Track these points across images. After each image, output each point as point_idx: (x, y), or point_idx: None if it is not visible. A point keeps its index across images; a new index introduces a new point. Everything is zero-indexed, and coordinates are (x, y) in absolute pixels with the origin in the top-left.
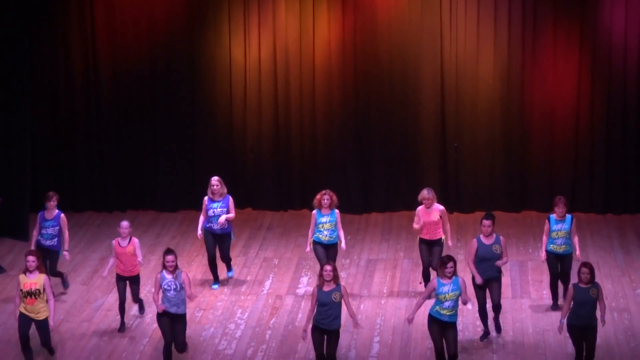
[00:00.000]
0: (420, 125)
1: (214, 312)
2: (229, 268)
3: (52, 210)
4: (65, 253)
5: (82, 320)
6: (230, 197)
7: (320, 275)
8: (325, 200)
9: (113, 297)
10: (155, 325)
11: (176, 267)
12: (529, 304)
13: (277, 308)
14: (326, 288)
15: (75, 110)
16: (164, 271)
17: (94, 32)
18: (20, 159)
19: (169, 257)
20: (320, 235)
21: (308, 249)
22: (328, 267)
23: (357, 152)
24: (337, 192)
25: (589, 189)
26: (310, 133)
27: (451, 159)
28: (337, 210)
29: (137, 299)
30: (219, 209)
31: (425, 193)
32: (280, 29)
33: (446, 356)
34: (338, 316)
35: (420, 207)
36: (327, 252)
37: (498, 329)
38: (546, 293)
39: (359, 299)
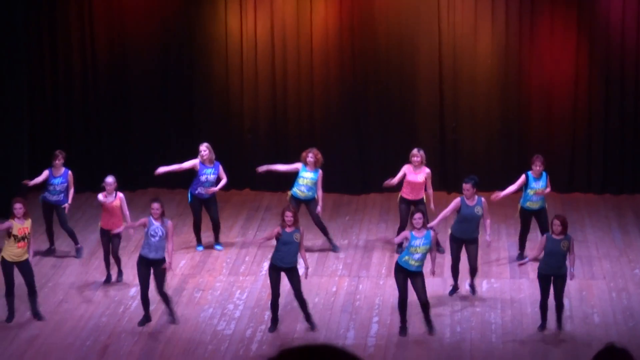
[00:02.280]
0: (418, 105)
1: (213, 292)
2: (217, 239)
3: (60, 168)
4: (66, 205)
5: (81, 301)
6: (219, 164)
7: (283, 220)
8: (310, 158)
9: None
10: (155, 306)
11: (162, 214)
12: (527, 284)
13: None
14: (288, 230)
15: (73, 90)
16: (150, 217)
17: (91, 8)
18: (17, 139)
19: (155, 205)
20: (298, 190)
21: (288, 197)
22: (289, 213)
23: (355, 132)
24: (335, 173)
25: (587, 169)
26: (307, 113)
27: (449, 139)
28: (320, 171)
29: (117, 255)
30: (212, 175)
31: (415, 151)
32: (277, 6)
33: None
34: (296, 254)
35: (406, 165)
36: (307, 206)
37: (473, 290)
38: None
39: (358, 279)
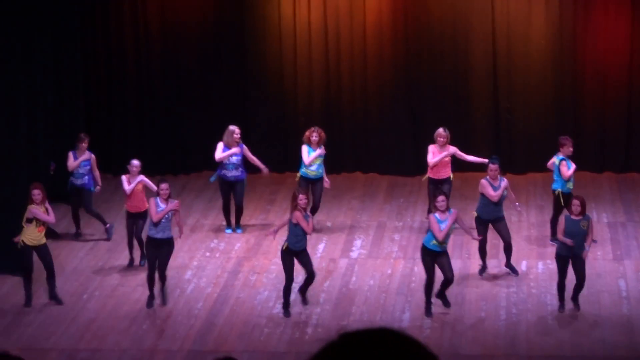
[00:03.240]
0: (472, 87)
1: (268, 275)
2: (238, 224)
3: (84, 151)
4: (98, 187)
5: (137, 285)
6: (244, 145)
7: (296, 204)
8: (314, 137)
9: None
10: (210, 289)
11: (169, 195)
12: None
13: (331, 271)
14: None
15: (126, 73)
16: (157, 198)
17: None
18: (74, 124)
19: (163, 185)
20: (308, 170)
21: (297, 179)
22: (302, 196)
23: (409, 114)
24: (389, 154)
25: None
26: (361, 96)
27: (503, 120)
28: (323, 147)
29: (140, 237)
30: (235, 157)
31: (441, 131)
32: None
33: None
34: (305, 237)
35: (432, 146)
36: (313, 186)
37: (514, 271)
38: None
39: (413, 261)
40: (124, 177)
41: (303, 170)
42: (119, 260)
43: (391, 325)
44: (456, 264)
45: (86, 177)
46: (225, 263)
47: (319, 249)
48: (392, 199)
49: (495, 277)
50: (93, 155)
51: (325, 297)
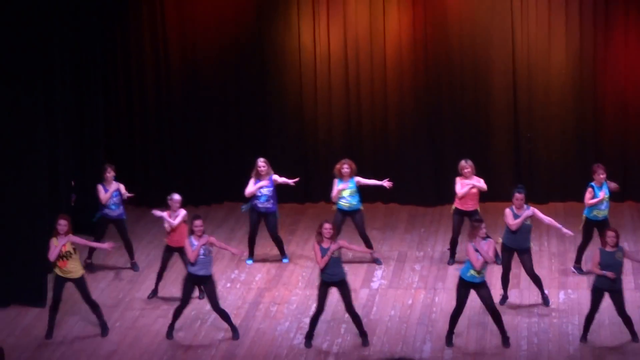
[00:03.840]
0: (492, 116)
1: (289, 306)
2: (283, 253)
3: (111, 182)
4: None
5: (158, 316)
6: (274, 174)
7: (320, 233)
8: (345, 169)
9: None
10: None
11: (203, 232)
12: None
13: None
14: (325, 245)
15: (146, 105)
16: (192, 237)
17: (164, 21)
18: (93, 156)
19: (197, 222)
20: (342, 202)
21: (334, 208)
22: (327, 225)
23: (430, 144)
24: (410, 184)
25: None
26: (381, 125)
27: (524, 149)
28: (356, 178)
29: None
30: (265, 188)
31: (463, 163)
32: (350, 18)
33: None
34: (340, 268)
35: (458, 178)
36: (352, 219)
37: (545, 301)
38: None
39: (434, 291)
40: (165, 214)
41: (339, 202)
42: (140, 291)
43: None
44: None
45: (121, 207)
46: (245, 294)
47: None
48: (412, 229)
49: (516, 307)
50: (122, 185)
51: (346, 328)
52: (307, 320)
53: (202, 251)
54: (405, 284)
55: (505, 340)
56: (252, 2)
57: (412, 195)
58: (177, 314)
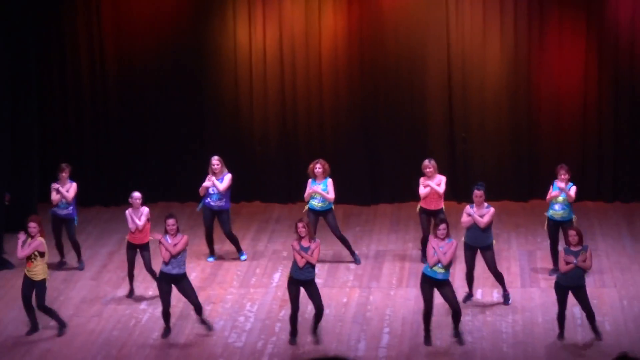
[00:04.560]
0: (427, 116)
1: (223, 305)
2: (239, 250)
3: (65, 181)
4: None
5: (92, 315)
6: (228, 174)
7: (296, 232)
8: (318, 169)
9: (123, 291)
10: (174, 320)
11: (177, 230)
12: (538, 293)
13: (287, 300)
14: (304, 243)
15: (82, 104)
16: (167, 235)
17: (99, 22)
18: (28, 154)
19: (170, 221)
20: (314, 202)
21: (304, 210)
22: (300, 224)
23: (365, 143)
24: (345, 183)
25: (597, 177)
26: (317, 124)
27: (459, 149)
28: (330, 179)
29: (150, 269)
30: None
31: (426, 162)
32: (285, 18)
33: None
34: (313, 267)
35: (422, 178)
36: (324, 218)
37: (506, 299)
38: None
39: (368, 290)
40: (127, 213)
41: (310, 202)
42: (74, 290)
43: (346, 355)
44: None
45: (71, 207)
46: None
47: (274, 278)
48: (347, 227)
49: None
50: (75, 184)
51: (280, 327)
52: (242, 319)
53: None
54: (340, 283)
55: (460, 340)
56: (188, 2)
57: (347, 194)
58: (166, 316)
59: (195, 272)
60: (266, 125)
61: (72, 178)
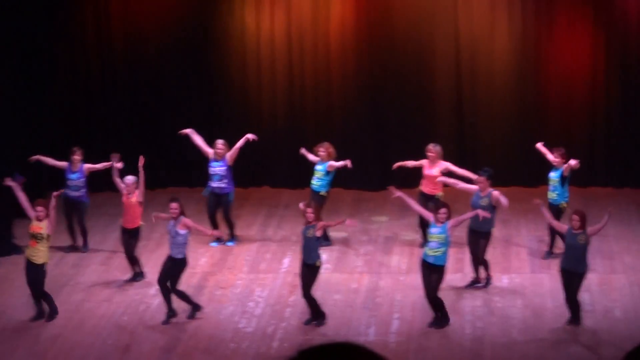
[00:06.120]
0: (436, 101)
1: (233, 290)
2: (231, 236)
3: (77, 164)
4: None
5: (102, 300)
6: (227, 154)
7: (304, 217)
8: (321, 152)
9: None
10: (175, 304)
11: (180, 213)
12: (547, 279)
13: (296, 286)
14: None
15: (91, 89)
16: (171, 220)
17: (107, 6)
18: (39, 138)
19: (173, 205)
20: (312, 182)
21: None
22: (309, 210)
23: (374, 128)
24: (354, 169)
25: (606, 163)
26: (325, 109)
27: (468, 134)
28: (329, 163)
29: (132, 255)
30: (218, 168)
31: (430, 146)
32: (293, 2)
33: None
34: (313, 251)
35: (425, 160)
36: (313, 199)
37: (487, 282)
38: None
39: (378, 276)
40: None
41: (311, 183)
42: (84, 275)
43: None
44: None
45: (82, 190)
46: (190, 278)
47: (284, 263)
48: (357, 213)
49: (460, 291)
50: (86, 165)
51: (290, 312)
52: (252, 305)
53: (176, 232)
54: (349, 268)
55: (438, 321)
56: None
57: (356, 180)
58: (163, 291)
59: (205, 257)
60: (274, 110)
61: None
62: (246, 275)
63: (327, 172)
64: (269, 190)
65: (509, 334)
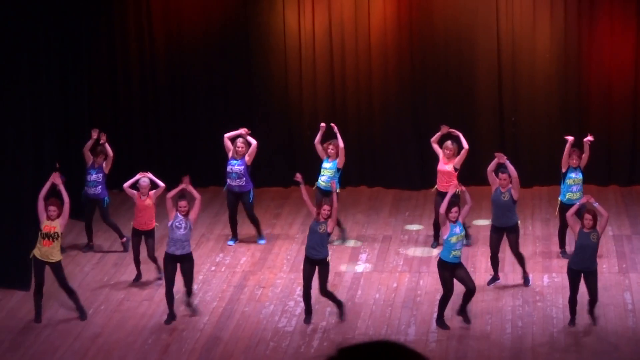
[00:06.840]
0: (477, 100)
1: (274, 289)
2: (259, 234)
3: (100, 163)
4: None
5: (143, 299)
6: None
7: (318, 213)
8: (330, 150)
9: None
10: (215, 303)
11: (188, 212)
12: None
13: (336, 285)
14: (319, 220)
15: (131, 87)
16: (177, 213)
17: (149, 6)
18: (78, 140)
19: (182, 203)
20: (320, 180)
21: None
22: (326, 207)
23: (414, 127)
24: (395, 168)
25: None
26: (366, 109)
27: (509, 133)
28: (338, 160)
29: (153, 256)
30: (237, 166)
31: (448, 143)
32: (335, 2)
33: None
34: (323, 246)
35: (442, 155)
36: (325, 198)
37: (526, 281)
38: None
39: (418, 275)
40: (136, 193)
41: (318, 180)
42: (124, 274)
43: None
44: None
45: (99, 187)
46: (230, 277)
47: None
48: (397, 212)
49: (500, 290)
50: (104, 162)
51: (331, 311)
52: (292, 304)
53: (184, 225)
54: (389, 268)
55: (467, 318)
56: None
57: (397, 179)
58: (169, 297)
59: (245, 256)
60: (315, 110)
61: (120, 166)
62: (286, 274)
63: (338, 170)
64: (309, 189)
65: (549, 333)
